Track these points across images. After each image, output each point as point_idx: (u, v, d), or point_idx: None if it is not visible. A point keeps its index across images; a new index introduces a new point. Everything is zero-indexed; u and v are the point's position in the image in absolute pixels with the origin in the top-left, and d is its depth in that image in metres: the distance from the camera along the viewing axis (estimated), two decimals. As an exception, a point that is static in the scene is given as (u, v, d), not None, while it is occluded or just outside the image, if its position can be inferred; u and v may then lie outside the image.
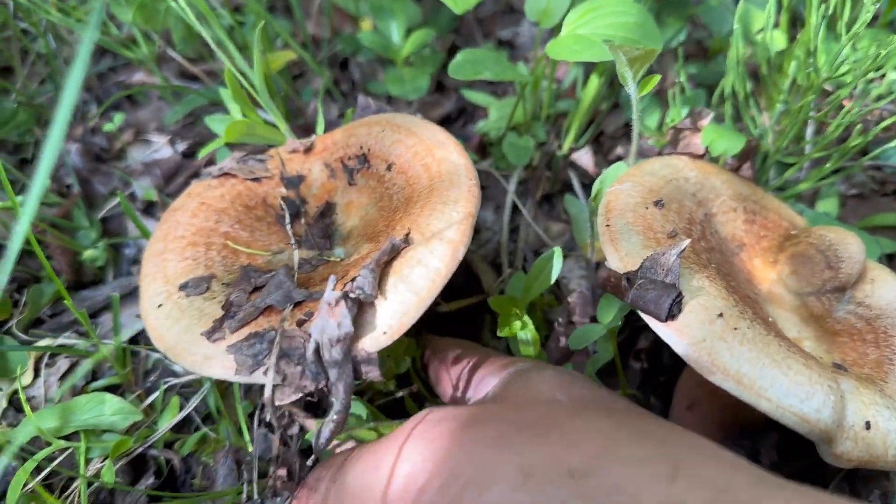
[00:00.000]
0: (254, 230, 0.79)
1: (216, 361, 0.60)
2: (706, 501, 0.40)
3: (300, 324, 0.60)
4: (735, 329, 0.57)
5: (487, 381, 0.69)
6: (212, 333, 0.63)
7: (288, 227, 0.78)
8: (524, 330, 0.79)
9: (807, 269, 0.76)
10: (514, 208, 1.04)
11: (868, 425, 0.59)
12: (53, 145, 0.27)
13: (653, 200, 0.72)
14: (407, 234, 0.64)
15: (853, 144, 0.85)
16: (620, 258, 0.65)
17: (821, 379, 0.57)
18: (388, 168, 0.77)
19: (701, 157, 0.92)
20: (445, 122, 1.19)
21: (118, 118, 1.10)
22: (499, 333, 0.78)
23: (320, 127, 0.89)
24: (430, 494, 0.48)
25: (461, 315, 0.96)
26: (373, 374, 0.58)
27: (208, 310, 0.66)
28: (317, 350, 0.57)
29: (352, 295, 0.58)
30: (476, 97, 1.12)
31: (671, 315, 0.58)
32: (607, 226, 0.68)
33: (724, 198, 0.81)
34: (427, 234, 0.64)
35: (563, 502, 0.42)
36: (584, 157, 1.07)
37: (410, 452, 0.52)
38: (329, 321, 0.57)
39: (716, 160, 0.91)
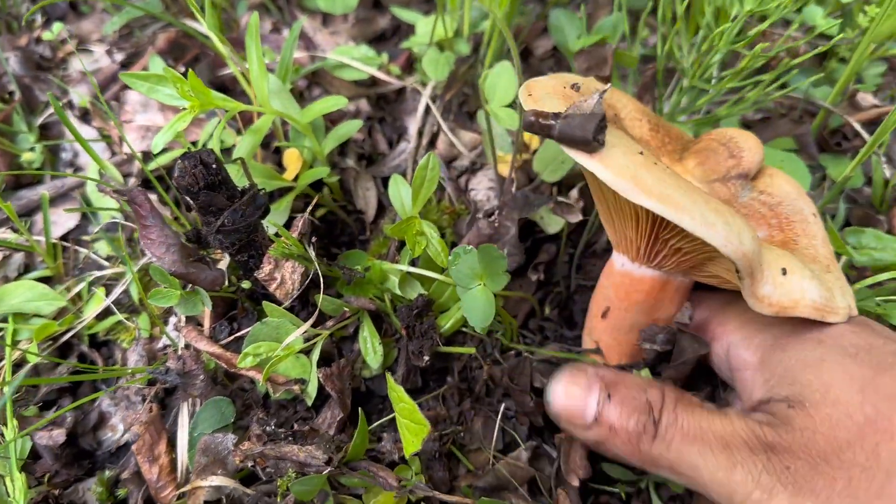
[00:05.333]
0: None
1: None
2: None
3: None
4: (655, 164, 0.60)
5: None
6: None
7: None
8: (431, 242, 0.84)
9: (711, 160, 0.79)
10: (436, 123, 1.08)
11: (784, 271, 0.62)
12: None
13: (570, 84, 0.73)
14: None
15: (741, 67, 0.88)
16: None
17: (738, 215, 0.60)
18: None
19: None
20: (381, 39, 1.22)
21: (57, 27, 1.13)
22: (413, 255, 0.83)
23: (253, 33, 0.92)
24: None
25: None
26: None
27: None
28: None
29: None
30: (403, 14, 1.15)
31: (597, 140, 0.59)
32: (529, 95, 0.68)
33: (629, 108, 0.84)
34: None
35: None
36: (507, 75, 1.11)
37: None
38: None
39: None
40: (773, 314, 0.62)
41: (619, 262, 0.77)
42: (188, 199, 0.75)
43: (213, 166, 0.74)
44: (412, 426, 0.74)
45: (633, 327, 0.79)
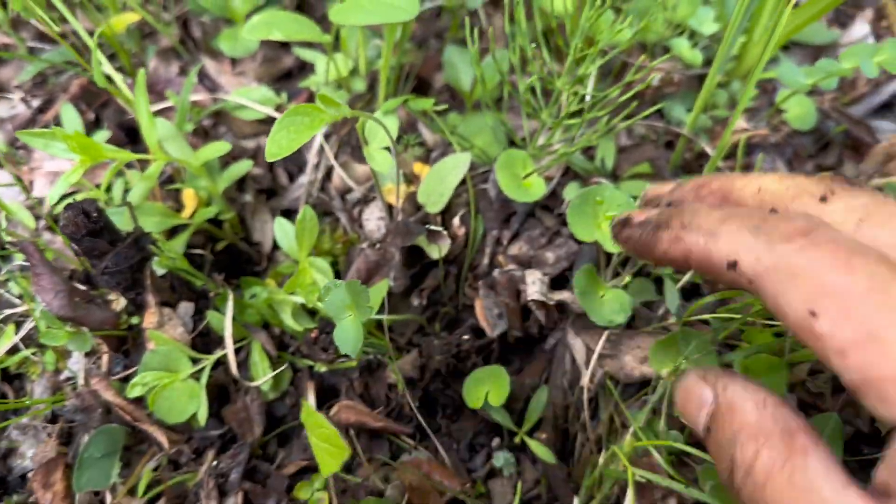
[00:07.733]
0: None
1: None
2: None
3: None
4: None
5: None
6: None
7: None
8: (318, 275, 0.93)
9: None
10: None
11: None
12: None
13: None
14: None
15: (600, 98, 0.96)
16: None
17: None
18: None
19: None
20: (287, 77, 1.29)
21: (-29, 76, 1.20)
22: (309, 304, 0.92)
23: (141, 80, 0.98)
24: None
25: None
26: None
27: None
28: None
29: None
30: (304, 53, 1.22)
31: None
32: None
33: None
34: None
35: None
36: (400, 111, 1.19)
37: None
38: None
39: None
40: None
41: None
42: (74, 245, 0.82)
43: (94, 215, 0.81)
44: (331, 450, 0.78)
45: None
